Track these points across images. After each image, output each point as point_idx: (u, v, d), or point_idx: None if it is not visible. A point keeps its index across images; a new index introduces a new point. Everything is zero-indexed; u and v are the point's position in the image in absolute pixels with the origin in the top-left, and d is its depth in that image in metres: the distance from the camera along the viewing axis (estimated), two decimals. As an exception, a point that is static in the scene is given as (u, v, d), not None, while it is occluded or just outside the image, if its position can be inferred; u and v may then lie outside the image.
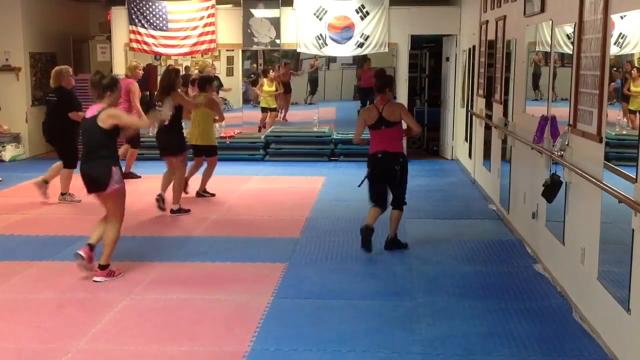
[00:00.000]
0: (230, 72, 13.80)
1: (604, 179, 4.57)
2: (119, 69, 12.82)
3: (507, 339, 4.80)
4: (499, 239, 7.40)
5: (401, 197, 7.04)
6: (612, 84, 4.71)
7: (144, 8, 12.85)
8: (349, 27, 12.72)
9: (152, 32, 12.90)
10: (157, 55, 13.41)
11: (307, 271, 6.32)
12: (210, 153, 9.31)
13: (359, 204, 8.95)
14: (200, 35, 12.92)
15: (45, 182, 9.08)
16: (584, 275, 5.05)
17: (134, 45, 12.92)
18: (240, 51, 13.42)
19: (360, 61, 13.67)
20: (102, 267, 6.01)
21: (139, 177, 10.64)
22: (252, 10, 12.84)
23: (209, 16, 12.91)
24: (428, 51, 14.35)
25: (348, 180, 10.52)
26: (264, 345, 4.70)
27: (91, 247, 6.02)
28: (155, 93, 9.74)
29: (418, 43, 13.60)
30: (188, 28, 12.91)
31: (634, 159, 4.07)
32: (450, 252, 6.93)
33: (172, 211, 8.40)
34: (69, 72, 9.04)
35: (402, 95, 12.52)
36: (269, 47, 13.19)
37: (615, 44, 4.62)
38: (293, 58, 14.11)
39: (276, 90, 13.49)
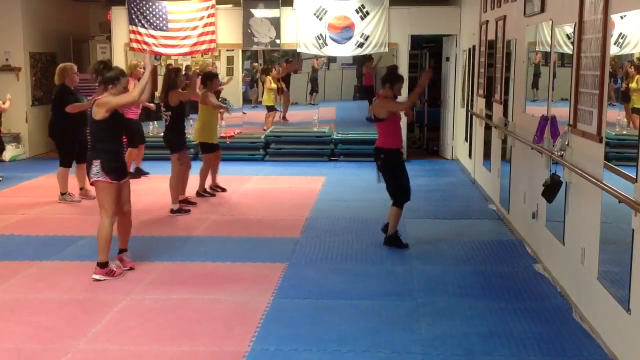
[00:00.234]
0: (230, 72, 13.80)
1: (604, 179, 4.57)
2: (119, 69, 12.84)
3: (507, 339, 4.80)
4: (499, 239, 7.40)
5: (392, 192, 7.05)
6: (613, 85, 4.71)
7: (144, 8, 12.85)
8: (349, 27, 12.72)
9: (152, 32, 12.90)
10: (157, 55, 13.42)
11: (307, 271, 6.32)
12: (203, 150, 9.41)
13: (359, 204, 8.97)
14: (200, 35, 12.92)
15: (81, 189, 9.21)
16: (584, 275, 5.05)
17: (134, 45, 12.92)
18: (240, 51, 13.43)
19: (362, 60, 13.68)
20: (100, 265, 6.01)
21: (147, 173, 10.67)
22: (252, 10, 12.84)
23: (209, 16, 12.90)
24: (428, 51, 14.34)
25: (348, 180, 10.55)
26: (264, 345, 4.70)
27: (120, 250, 6.27)
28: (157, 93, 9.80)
29: (418, 43, 13.60)
30: (188, 28, 12.91)
31: (634, 159, 4.07)
32: (450, 252, 6.93)
33: (171, 211, 8.42)
34: (73, 70, 9.04)
35: (402, 95, 12.47)
36: (269, 47, 13.19)
37: (615, 44, 4.62)
38: (293, 58, 14.12)
39: (278, 88, 13.53)
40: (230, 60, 13.92)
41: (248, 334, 4.85)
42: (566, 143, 5.46)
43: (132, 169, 10.64)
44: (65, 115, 8.73)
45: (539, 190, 5.90)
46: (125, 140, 9.84)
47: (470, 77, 11.10)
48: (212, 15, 12.91)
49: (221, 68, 13.83)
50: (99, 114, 5.84)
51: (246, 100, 14.01)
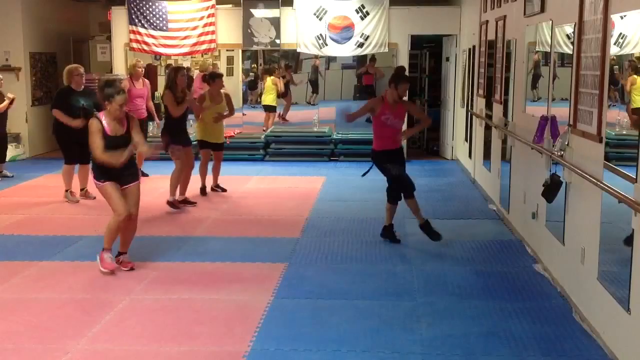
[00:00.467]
0: (230, 72, 13.80)
1: (604, 179, 4.57)
2: (119, 69, 12.86)
3: (507, 339, 4.80)
4: (499, 239, 7.40)
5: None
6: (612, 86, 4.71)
7: (144, 8, 12.85)
8: (349, 27, 12.72)
9: (152, 32, 12.90)
10: (157, 55, 13.43)
11: (307, 271, 6.32)
12: (199, 146, 9.58)
13: (359, 204, 8.97)
14: (200, 35, 12.92)
15: (82, 189, 9.28)
16: (584, 275, 5.05)
17: (134, 45, 12.92)
18: (240, 51, 13.43)
19: (364, 60, 13.68)
20: (103, 249, 6.21)
21: (147, 175, 10.68)
22: (252, 10, 12.84)
23: (209, 16, 12.91)
24: (428, 51, 14.35)
25: (348, 180, 10.55)
26: (264, 345, 4.70)
27: (119, 252, 6.35)
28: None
29: (418, 43, 13.60)
30: (188, 28, 12.91)
31: (634, 159, 4.07)
32: (450, 252, 6.93)
33: (167, 202, 8.72)
34: (76, 71, 9.03)
35: (406, 96, 12.49)
36: (269, 47, 13.19)
37: (615, 44, 4.62)
38: (293, 58, 14.12)
39: (279, 89, 13.55)
40: (230, 60, 13.91)
41: (248, 334, 4.85)
42: (566, 143, 5.46)
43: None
44: (66, 115, 8.75)
45: (539, 190, 5.91)
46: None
47: (470, 77, 11.10)
48: (212, 15, 12.92)
49: (221, 68, 13.82)
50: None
51: (245, 100, 14.00)
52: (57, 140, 9.32)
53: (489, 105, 9.25)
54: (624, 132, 4.63)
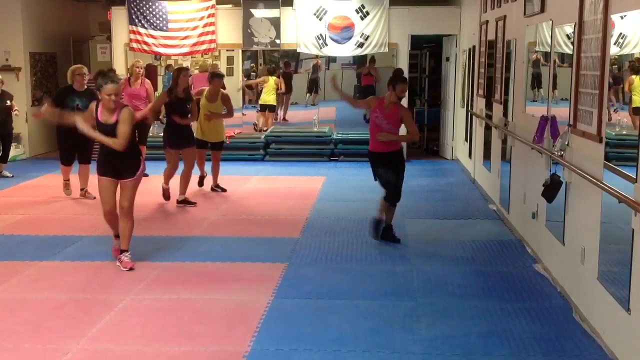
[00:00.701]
0: (230, 72, 13.79)
1: (604, 179, 4.57)
2: (119, 69, 12.84)
3: (507, 339, 4.80)
4: (499, 239, 7.40)
5: None
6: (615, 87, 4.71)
7: (144, 8, 12.85)
8: (349, 27, 12.72)
9: (152, 32, 12.90)
10: (157, 55, 13.42)
11: (307, 271, 6.31)
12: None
13: (359, 204, 8.98)
14: (200, 35, 12.92)
15: (82, 189, 9.30)
16: (584, 275, 5.05)
17: (134, 45, 12.92)
18: (240, 51, 13.43)
19: (363, 61, 13.69)
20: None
21: (146, 175, 10.67)
22: (252, 10, 12.84)
23: (209, 16, 12.91)
24: (428, 51, 14.35)
25: (348, 180, 10.56)
26: (264, 345, 4.70)
27: (120, 250, 6.50)
28: None
29: (418, 43, 13.60)
30: (188, 28, 12.91)
31: (634, 159, 4.07)
32: (450, 252, 6.93)
33: (177, 201, 8.87)
34: (78, 71, 9.05)
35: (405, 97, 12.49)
36: (269, 47, 13.19)
37: (615, 44, 4.62)
38: (293, 58, 14.12)
39: (279, 89, 13.57)
40: (230, 60, 13.91)
41: (248, 334, 4.85)
42: (566, 143, 5.46)
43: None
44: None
45: (539, 190, 5.91)
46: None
47: (470, 77, 11.10)
48: (212, 15, 12.91)
49: (221, 68, 13.82)
50: None
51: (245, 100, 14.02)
52: (57, 140, 9.36)
53: (489, 105, 9.25)
54: (624, 132, 4.63)
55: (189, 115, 8.77)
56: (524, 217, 7.07)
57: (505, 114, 8.11)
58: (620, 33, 4.58)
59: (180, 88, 8.63)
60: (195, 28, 12.91)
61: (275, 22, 12.82)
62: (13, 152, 12.38)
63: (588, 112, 4.98)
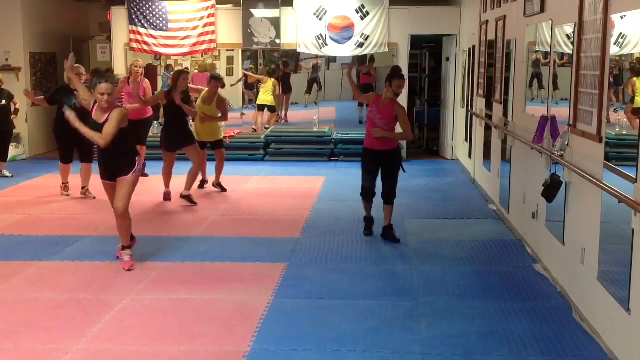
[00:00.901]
0: (230, 72, 13.80)
1: (604, 179, 4.57)
2: (119, 69, 12.85)
3: (507, 339, 4.80)
4: (499, 239, 7.40)
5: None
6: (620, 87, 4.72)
7: (144, 8, 12.85)
8: (349, 27, 12.72)
9: (152, 32, 12.90)
10: (157, 55, 13.42)
11: (307, 271, 6.31)
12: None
13: (359, 204, 8.95)
14: (200, 35, 12.92)
15: (83, 187, 9.33)
16: (584, 275, 5.05)
17: (134, 45, 12.92)
18: (240, 51, 13.43)
19: (363, 60, 13.70)
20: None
21: (146, 175, 10.67)
22: (252, 10, 12.84)
23: (209, 16, 12.90)
24: (428, 51, 14.35)
25: (348, 180, 10.54)
26: (264, 345, 4.70)
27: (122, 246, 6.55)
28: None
29: (418, 43, 13.60)
30: (188, 28, 12.91)
31: (634, 159, 4.07)
32: (450, 252, 6.93)
33: (180, 195, 8.92)
34: (75, 71, 9.01)
35: (402, 95, 12.41)
36: (269, 47, 13.19)
37: (615, 44, 4.62)
38: (293, 58, 14.12)
39: (276, 92, 13.58)
40: (230, 60, 13.93)
41: (248, 334, 4.85)
42: (566, 143, 5.46)
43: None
44: (61, 113, 8.76)
45: (539, 190, 5.91)
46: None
47: (470, 77, 11.10)
48: (212, 15, 12.91)
49: (221, 68, 13.83)
50: None
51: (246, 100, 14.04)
52: (55, 139, 9.36)
53: (489, 105, 9.25)
54: (624, 132, 4.63)
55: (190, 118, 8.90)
56: (524, 217, 7.07)
57: (505, 114, 8.11)
58: (620, 33, 4.58)
59: (179, 90, 8.69)
60: (195, 28, 12.91)
61: (275, 22, 12.82)
62: (13, 152, 12.39)
63: (588, 112, 4.98)
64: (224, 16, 13.01)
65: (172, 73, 10.85)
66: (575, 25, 5.35)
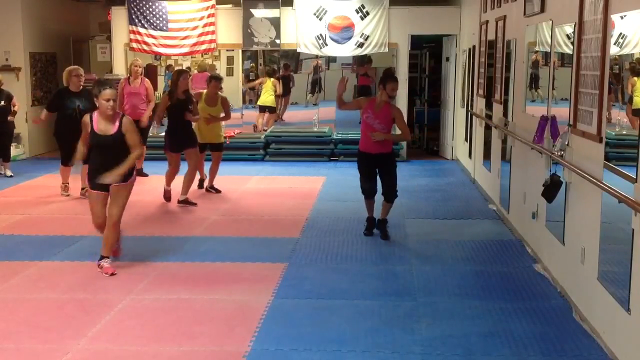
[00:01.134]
0: (230, 72, 13.79)
1: (604, 179, 4.57)
2: (119, 69, 12.86)
3: (507, 339, 4.80)
4: (499, 239, 7.40)
5: None
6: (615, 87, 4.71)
7: (144, 8, 12.85)
8: (349, 27, 12.72)
9: (152, 32, 12.90)
10: (157, 55, 13.42)
11: (307, 271, 6.31)
12: None
13: (359, 204, 8.95)
14: (200, 35, 12.92)
15: (82, 188, 9.24)
16: (584, 275, 5.05)
17: (134, 45, 12.92)
18: (240, 51, 13.42)
19: (361, 61, 13.69)
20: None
21: (146, 175, 10.68)
22: (252, 10, 12.84)
23: (209, 16, 12.91)
24: (428, 51, 14.35)
25: (348, 180, 10.52)
26: (264, 345, 4.70)
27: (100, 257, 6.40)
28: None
29: (418, 43, 13.60)
30: (188, 28, 12.91)
31: (634, 159, 4.07)
32: (450, 252, 6.93)
33: (178, 201, 8.87)
34: (75, 72, 9.07)
35: (402, 95, 12.48)
36: (269, 47, 13.19)
37: (615, 44, 4.62)
38: (293, 58, 14.11)
39: (277, 92, 13.57)
40: (230, 60, 13.91)
41: (248, 334, 4.85)
42: (566, 143, 5.46)
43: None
44: (61, 115, 8.77)
45: (539, 190, 5.90)
46: None
47: (470, 77, 11.10)
48: (212, 15, 12.91)
49: (221, 68, 13.82)
50: None
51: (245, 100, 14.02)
52: (56, 141, 9.35)
53: (489, 105, 9.25)
54: (624, 132, 4.63)
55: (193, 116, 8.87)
56: (524, 217, 7.07)
57: (505, 114, 8.11)
58: (620, 33, 4.58)
59: (180, 90, 8.68)
60: (195, 28, 12.91)
61: (275, 22, 12.82)
62: (13, 152, 12.39)
63: (588, 112, 4.98)
64: (224, 16, 13.01)
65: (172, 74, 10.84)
66: (575, 25, 5.35)
